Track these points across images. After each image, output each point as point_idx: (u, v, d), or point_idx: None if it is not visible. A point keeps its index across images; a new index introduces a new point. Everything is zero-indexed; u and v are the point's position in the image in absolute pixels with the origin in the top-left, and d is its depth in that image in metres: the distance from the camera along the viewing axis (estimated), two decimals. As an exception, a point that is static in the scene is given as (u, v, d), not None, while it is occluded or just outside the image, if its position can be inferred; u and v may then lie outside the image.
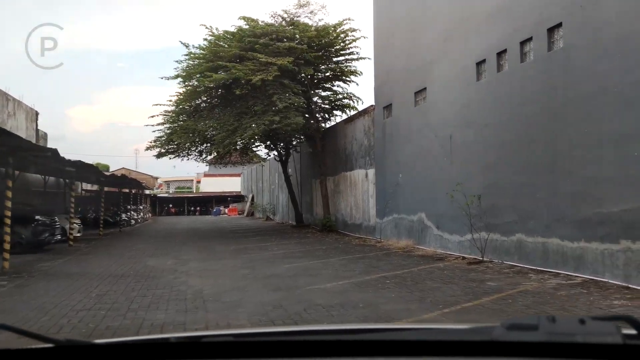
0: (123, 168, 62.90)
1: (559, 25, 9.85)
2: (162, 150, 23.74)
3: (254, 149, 26.93)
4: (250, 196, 46.17)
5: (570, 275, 9.17)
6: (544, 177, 10.11)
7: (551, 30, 10.07)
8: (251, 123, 19.10)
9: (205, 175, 61.01)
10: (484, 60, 12.24)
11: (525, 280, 9.05)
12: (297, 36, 20.19)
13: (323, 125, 23.44)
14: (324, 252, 14.45)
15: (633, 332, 1.02)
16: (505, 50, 11.45)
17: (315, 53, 20.63)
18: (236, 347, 1.19)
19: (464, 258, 12.10)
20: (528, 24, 10.63)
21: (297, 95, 19.47)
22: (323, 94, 22.90)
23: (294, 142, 25.60)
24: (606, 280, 8.46)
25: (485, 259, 11.55)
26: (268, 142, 25.31)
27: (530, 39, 10.65)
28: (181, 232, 25.47)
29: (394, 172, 16.87)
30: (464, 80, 12.95)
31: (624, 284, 8.09)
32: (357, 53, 21.30)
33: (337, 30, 21.09)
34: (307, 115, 21.28)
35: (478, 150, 12.31)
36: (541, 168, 10.18)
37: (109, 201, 31.51)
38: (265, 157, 30.38)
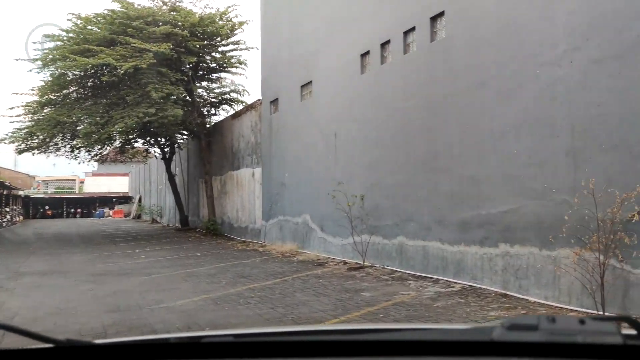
0: (-6, 166, 56.20)
1: (442, 14, 9.23)
2: (23, 146, 20.81)
3: (135, 145, 24.51)
4: (138, 197, 42.99)
5: (450, 281, 8.54)
6: (424, 176, 9.46)
7: (434, 20, 9.44)
8: (122, 115, 17.02)
9: (94, 174, 56.31)
10: (368, 52, 11.46)
11: (404, 288, 8.26)
12: (179, 22, 18.40)
13: (209, 120, 21.77)
14: (197, 259, 12.95)
15: (633, 332, 1.02)
16: (389, 41, 10.72)
17: (200, 42, 18.97)
18: (236, 347, 1.18)
19: (345, 263, 11.22)
20: (412, 13, 9.95)
21: (176, 86, 17.66)
22: (208, 85, 21.23)
23: (178, 139, 23.65)
24: (485, 287, 7.88)
25: (367, 263, 10.75)
26: (148, 138, 23.10)
27: (413, 29, 9.97)
28: (44, 238, 22.51)
29: (280, 171, 15.76)
30: (349, 73, 12.11)
31: (502, 291, 7.53)
32: (243, 42, 19.96)
33: (224, 19, 19.59)
34: (188, 109, 19.53)
35: (362, 148, 11.51)
36: (422, 166, 9.52)
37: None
38: (147, 154, 27.93)
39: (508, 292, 7.44)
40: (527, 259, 7.26)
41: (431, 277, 8.98)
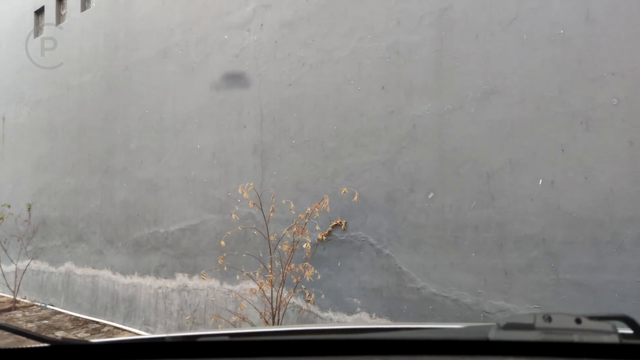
0: None
1: (124, -42, 6.78)
2: None
3: None
4: None
5: (117, 329, 6.07)
6: (100, 178, 6.85)
7: (116, -34, 6.94)
8: None
9: None
10: (43, 8, 8.38)
11: (38, 346, 5.47)
12: None
13: None
14: None
15: (629, 331, 1.01)
16: (66, -7, 7.87)
17: None
18: (232, 346, 1.17)
19: (-7, 302, 7.87)
20: (91, -43, 7.29)
21: None
22: None
23: None
24: (157, 336, 5.61)
25: (26, 301, 7.64)
26: None
27: (93, -22, 7.33)
28: None
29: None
30: (23, 36, 8.81)
31: (174, 342, 5.35)
32: None
33: None
34: None
35: (32, 138, 8.33)
36: (98, 166, 6.89)
37: None
38: None
39: (181, 344, 5.29)
40: (207, 295, 5.22)
41: (97, 322, 6.39)
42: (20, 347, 1.13)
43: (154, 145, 6.00)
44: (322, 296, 3.99)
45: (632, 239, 2.71)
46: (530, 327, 0.98)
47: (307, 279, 3.80)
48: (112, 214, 6.60)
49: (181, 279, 5.52)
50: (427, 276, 3.54)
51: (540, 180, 3.07)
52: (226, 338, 1.31)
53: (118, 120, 6.62)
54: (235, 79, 5.06)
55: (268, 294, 4.16)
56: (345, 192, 3.93)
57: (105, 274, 6.57)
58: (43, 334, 5.91)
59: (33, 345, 1.12)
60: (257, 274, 4.06)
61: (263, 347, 1.13)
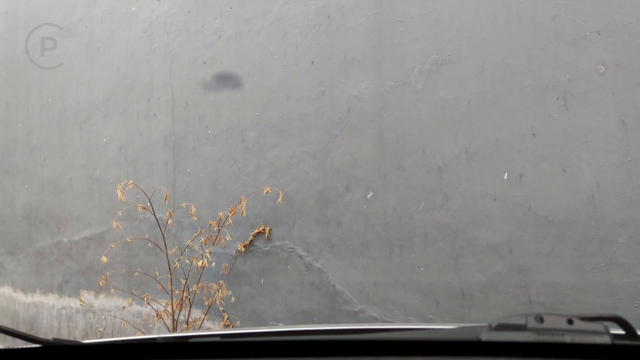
0: None
1: None
2: None
3: None
4: None
5: (14, 356, 5.13)
6: (0, 179, 5.90)
7: None
8: None
9: None
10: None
11: None
12: None
13: None
14: None
15: (621, 332, 0.99)
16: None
17: None
18: (223, 347, 1.16)
19: None
20: None
21: None
22: None
23: None
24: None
25: None
26: None
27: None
28: None
29: None
30: None
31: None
32: None
33: None
34: None
35: None
36: (-1, 165, 5.93)
37: None
38: None
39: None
40: (114, 318, 4.37)
41: (-5, 348, 5.43)
42: (11, 347, 1.14)
43: (57, 139, 5.09)
44: (238, 322, 3.22)
45: (626, 249, 2.05)
46: (522, 327, 0.95)
47: (218, 302, 3.02)
48: (13, 221, 5.65)
49: (86, 297, 4.64)
50: (365, 296, 2.82)
51: (506, 174, 2.38)
52: (218, 339, 1.34)
53: (19, 111, 5.67)
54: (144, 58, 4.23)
55: (176, 318, 3.37)
56: (268, 192, 3.16)
57: (6, 291, 5.61)
58: None
59: (24, 346, 1.12)
60: (145, 298, 3.25)
61: (254, 348, 1.13)
